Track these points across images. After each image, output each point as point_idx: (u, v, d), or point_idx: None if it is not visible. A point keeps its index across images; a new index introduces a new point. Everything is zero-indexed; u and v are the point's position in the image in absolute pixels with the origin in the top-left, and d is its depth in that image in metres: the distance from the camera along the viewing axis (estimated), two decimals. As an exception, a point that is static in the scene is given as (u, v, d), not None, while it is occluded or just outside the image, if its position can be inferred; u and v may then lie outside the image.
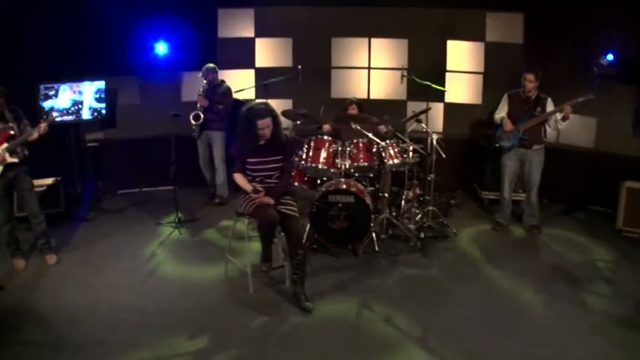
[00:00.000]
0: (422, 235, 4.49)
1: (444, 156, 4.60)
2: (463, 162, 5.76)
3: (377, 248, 4.27)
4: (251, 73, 6.15)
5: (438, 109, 5.95)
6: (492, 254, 4.34)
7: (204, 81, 5.25)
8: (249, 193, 3.41)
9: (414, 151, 4.45)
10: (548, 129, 4.66)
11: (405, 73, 4.82)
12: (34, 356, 3.04)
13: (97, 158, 5.80)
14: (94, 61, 5.45)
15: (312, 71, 5.69)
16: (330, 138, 4.46)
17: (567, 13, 5.40)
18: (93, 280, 3.92)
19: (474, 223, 5.00)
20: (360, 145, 4.38)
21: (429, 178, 4.70)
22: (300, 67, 4.92)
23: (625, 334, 3.17)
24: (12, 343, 3.15)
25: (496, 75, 5.78)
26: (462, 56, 5.95)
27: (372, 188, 4.63)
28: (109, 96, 5.57)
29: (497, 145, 4.77)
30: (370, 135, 4.33)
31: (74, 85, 5.30)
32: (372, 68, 6.12)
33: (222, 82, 5.39)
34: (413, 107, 6.01)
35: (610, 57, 5.18)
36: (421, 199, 4.88)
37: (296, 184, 4.42)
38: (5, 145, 3.92)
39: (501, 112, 4.70)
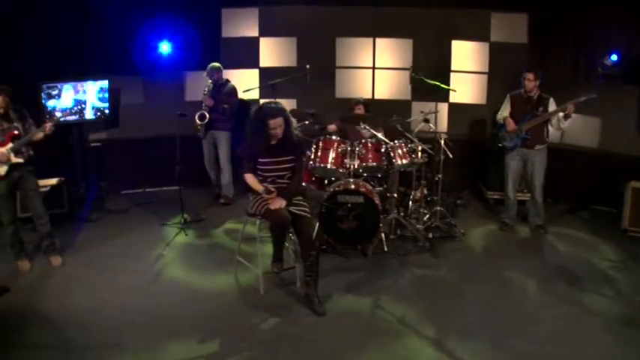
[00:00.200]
0: (430, 235, 4.48)
1: (450, 156, 4.60)
2: (468, 162, 5.75)
3: (386, 249, 4.25)
4: (255, 72, 6.12)
5: (442, 109, 5.94)
6: (500, 254, 4.35)
7: (210, 81, 5.20)
8: (261, 194, 3.37)
9: (423, 151, 4.43)
10: (550, 129, 4.66)
11: (413, 73, 4.78)
12: (41, 359, 2.99)
13: (100, 158, 5.73)
14: (97, 61, 5.41)
15: (317, 71, 5.64)
16: (338, 138, 4.44)
17: (571, 13, 5.41)
18: (99, 281, 3.86)
19: (481, 223, 5.00)
20: (369, 145, 4.36)
21: (437, 179, 4.69)
22: (308, 66, 4.88)
23: (634, 334, 3.17)
24: (19, 346, 3.10)
25: (501, 75, 5.78)
26: (466, 56, 5.95)
27: (380, 188, 4.61)
28: (112, 95, 5.52)
29: (499, 145, 4.77)
30: (379, 135, 4.31)
31: (77, 84, 5.25)
32: (376, 68, 6.11)
33: (227, 81, 5.36)
34: (418, 107, 6.03)
35: (614, 57, 5.19)
36: (428, 199, 4.86)
37: (303, 184, 4.39)
38: (10, 145, 3.87)
39: (504, 113, 4.71)
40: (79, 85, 5.26)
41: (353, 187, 4.15)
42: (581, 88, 4.80)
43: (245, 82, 5.77)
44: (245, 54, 6.03)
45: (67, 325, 3.29)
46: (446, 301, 3.56)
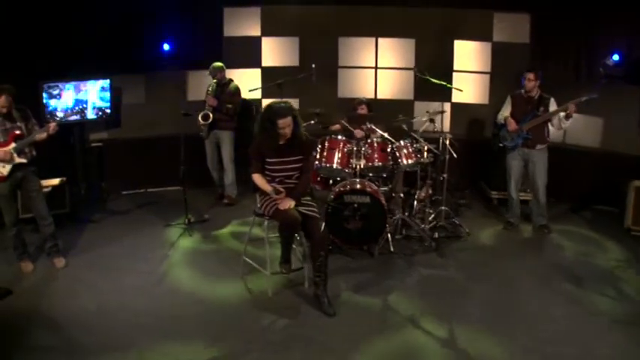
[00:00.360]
0: (436, 235, 4.48)
1: (455, 156, 4.60)
2: (469, 162, 5.75)
3: (392, 249, 4.24)
4: (257, 72, 6.09)
5: (444, 109, 5.93)
6: (506, 254, 4.35)
7: (214, 80, 5.16)
8: (270, 194, 3.35)
9: (429, 151, 4.43)
10: (551, 128, 4.68)
11: (418, 72, 4.77)
12: (48, 361, 2.95)
13: (101, 158, 5.68)
14: (98, 60, 5.34)
15: (319, 71, 5.61)
16: (344, 138, 4.43)
17: (574, 13, 5.43)
18: (104, 283, 3.82)
19: (485, 223, 5.01)
20: (375, 144, 4.35)
21: (441, 178, 4.69)
22: (314, 65, 4.86)
23: (642, 331, 3.19)
24: (24, 348, 3.06)
25: (503, 75, 5.80)
26: (468, 56, 5.96)
27: (385, 188, 4.60)
28: (113, 95, 5.46)
29: (500, 144, 4.77)
30: (386, 135, 4.30)
31: (78, 84, 5.19)
32: (379, 68, 6.10)
33: (230, 80, 5.32)
34: (420, 107, 6.05)
35: (616, 57, 5.22)
36: (433, 198, 4.86)
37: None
38: (13, 144, 3.81)
39: (504, 113, 4.72)
40: (81, 85, 5.21)
41: (359, 187, 4.14)
42: (583, 89, 4.82)
43: (247, 82, 5.75)
44: (247, 53, 6.00)
45: (73, 327, 3.25)
46: (454, 301, 3.56)
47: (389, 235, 4.27)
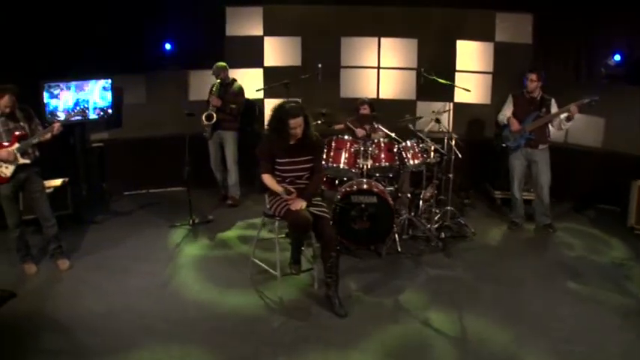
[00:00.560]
0: (442, 235, 4.48)
1: (460, 156, 4.60)
2: (472, 161, 5.77)
3: (399, 249, 4.24)
4: (259, 72, 6.06)
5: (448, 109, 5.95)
6: (512, 253, 4.37)
7: (217, 80, 5.12)
8: (280, 195, 3.32)
9: (435, 151, 4.43)
10: (551, 129, 4.70)
11: (425, 73, 4.77)
12: (57, 364, 2.91)
13: (103, 159, 5.61)
14: (99, 59, 5.28)
15: (322, 71, 5.62)
16: (351, 138, 4.42)
17: (575, 13, 5.46)
18: (109, 285, 3.77)
19: (489, 223, 5.02)
20: (382, 144, 4.35)
21: (445, 178, 4.69)
22: (320, 65, 4.84)
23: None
24: (31, 351, 3.01)
25: (505, 75, 5.82)
26: (471, 56, 5.97)
27: (391, 188, 4.59)
28: (115, 95, 5.40)
29: (503, 145, 4.76)
30: (393, 135, 4.30)
31: (79, 83, 5.13)
32: (381, 68, 6.10)
33: (234, 80, 5.29)
34: (422, 107, 6.05)
35: (617, 58, 5.27)
36: (439, 198, 4.86)
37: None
38: (17, 145, 3.76)
39: (506, 113, 4.71)
40: (82, 85, 5.14)
41: (366, 187, 4.13)
42: (584, 89, 4.86)
43: (249, 82, 5.71)
44: (249, 53, 5.97)
45: (79, 329, 3.20)
46: (464, 301, 3.55)
47: (396, 236, 4.26)
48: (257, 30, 5.99)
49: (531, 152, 4.62)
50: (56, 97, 5.01)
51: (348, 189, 4.16)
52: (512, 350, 3.02)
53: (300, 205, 3.25)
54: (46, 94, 4.93)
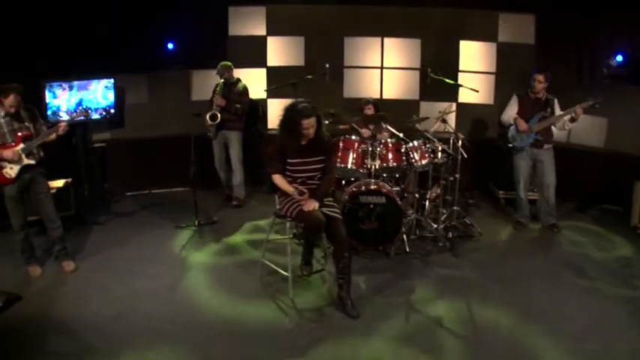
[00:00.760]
0: (449, 235, 4.49)
1: (465, 156, 4.61)
2: (476, 161, 5.78)
3: (407, 249, 4.24)
4: (262, 71, 6.03)
5: (453, 109, 5.95)
6: (519, 253, 4.38)
7: (221, 80, 5.08)
8: (292, 196, 3.30)
9: (443, 151, 4.43)
10: (554, 129, 4.72)
11: (432, 73, 4.78)
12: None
13: (105, 159, 5.55)
14: (101, 59, 5.22)
15: (325, 71, 5.60)
16: (358, 138, 4.41)
17: (578, 14, 5.49)
18: (116, 287, 3.72)
19: (495, 223, 5.03)
20: (390, 145, 4.34)
21: (451, 179, 4.70)
22: (327, 65, 4.82)
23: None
24: (39, 354, 2.97)
25: (508, 75, 5.84)
26: (473, 56, 5.98)
27: (398, 188, 4.59)
28: (117, 95, 5.35)
29: (509, 145, 4.75)
30: (401, 135, 4.29)
31: (81, 83, 5.07)
32: (384, 68, 6.10)
33: (238, 80, 5.25)
34: (426, 107, 6.07)
35: (619, 58, 5.31)
36: (446, 198, 4.87)
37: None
38: (22, 145, 3.70)
39: (511, 113, 4.70)
40: (84, 84, 5.08)
41: (375, 187, 4.12)
42: (586, 90, 4.89)
43: (252, 82, 5.68)
44: (252, 53, 5.93)
45: (88, 332, 3.16)
46: (474, 301, 3.55)
47: (404, 236, 4.26)
48: (260, 30, 5.96)
49: (537, 152, 4.64)
50: (58, 97, 4.94)
51: (355, 189, 4.15)
52: (524, 347, 3.02)
53: (313, 205, 3.23)
54: (49, 94, 4.86)
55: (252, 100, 5.49)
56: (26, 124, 3.76)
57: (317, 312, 3.37)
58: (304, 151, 3.33)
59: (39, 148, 3.81)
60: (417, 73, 6.05)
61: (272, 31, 5.97)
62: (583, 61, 5.68)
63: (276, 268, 3.65)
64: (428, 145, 4.45)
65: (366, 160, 4.30)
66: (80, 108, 4.99)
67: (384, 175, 4.43)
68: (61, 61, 5.01)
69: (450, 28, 5.90)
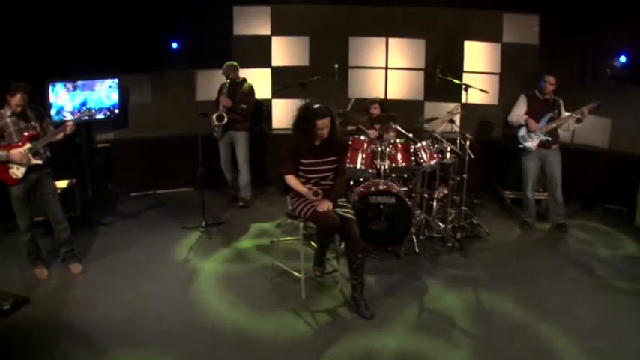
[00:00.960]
0: (458, 235, 4.49)
1: (472, 157, 4.61)
2: (480, 162, 5.79)
3: (417, 249, 4.23)
4: (267, 72, 6.00)
5: (460, 110, 5.94)
6: (528, 253, 4.40)
7: (227, 80, 5.04)
8: (306, 196, 3.28)
9: (452, 151, 4.43)
10: (559, 129, 4.74)
11: (440, 74, 4.77)
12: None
13: (108, 159, 5.50)
14: (105, 59, 5.18)
15: (329, 71, 5.57)
16: (366, 138, 4.40)
17: (581, 15, 5.52)
18: (126, 289, 3.67)
19: (501, 223, 5.05)
20: (399, 145, 4.34)
21: (458, 179, 4.70)
22: (336, 65, 4.80)
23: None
24: (50, 358, 2.92)
25: (512, 76, 5.87)
26: (478, 57, 6.00)
27: (405, 189, 4.59)
28: (121, 94, 5.30)
29: (520, 146, 4.74)
30: (410, 135, 4.29)
31: (85, 83, 5.01)
32: (389, 68, 6.09)
33: (244, 80, 5.22)
34: (430, 107, 6.08)
35: (623, 59, 5.35)
36: (454, 198, 4.87)
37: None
38: (28, 145, 3.65)
39: (519, 112, 4.69)
40: (89, 84, 5.03)
41: (384, 187, 4.11)
42: (589, 90, 4.91)
43: (257, 82, 5.64)
44: (257, 53, 5.91)
45: (100, 335, 3.10)
46: (485, 301, 3.56)
47: (413, 236, 4.26)
48: (265, 30, 5.94)
49: (545, 153, 4.65)
50: (62, 96, 4.89)
51: (364, 190, 4.14)
52: (537, 346, 3.02)
53: (327, 206, 3.21)
54: (53, 94, 4.81)
55: (257, 100, 5.47)
56: (33, 123, 3.71)
57: (331, 313, 3.36)
58: (318, 152, 3.31)
59: (46, 148, 3.76)
60: (422, 73, 6.06)
61: (277, 30, 5.95)
62: (586, 62, 5.72)
63: (288, 269, 3.63)
64: (436, 146, 4.45)
65: (375, 161, 4.29)
66: (84, 108, 4.93)
67: (393, 175, 4.42)
68: (65, 61, 4.98)
69: (455, 29, 5.92)
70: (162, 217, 5.05)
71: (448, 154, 4.44)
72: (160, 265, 4.03)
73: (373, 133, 4.81)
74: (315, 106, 3.19)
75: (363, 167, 4.29)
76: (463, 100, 5.91)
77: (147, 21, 5.34)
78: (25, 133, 3.66)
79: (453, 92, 5.66)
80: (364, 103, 5.31)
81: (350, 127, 4.95)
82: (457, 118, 5.89)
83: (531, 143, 4.63)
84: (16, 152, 3.59)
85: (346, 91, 6.08)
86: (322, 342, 3.06)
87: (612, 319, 3.33)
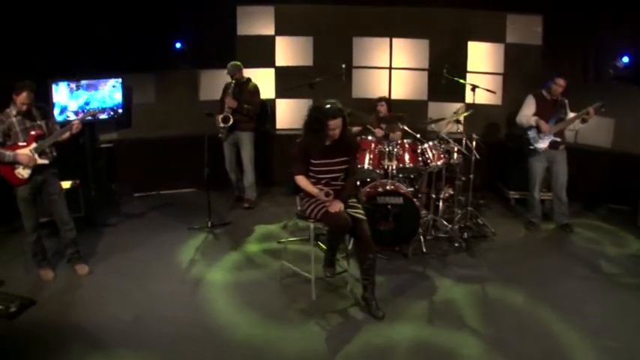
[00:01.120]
0: (465, 235, 4.49)
1: (478, 157, 4.61)
2: (484, 162, 5.79)
3: (424, 249, 4.23)
4: (271, 71, 5.98)
5: (467, 110, 5.94)
6: (534, 252, 4.41)
7: (233, 81, 5.01)
8: (317, 197, 3.26)
9: (459, 152, 4.44)
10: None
11: (447, 74, 4.78)
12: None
13: (112, 160, 5.45)
14: (108, 58, 5.14)
15: (334, 71, 5.56)
16: (374, 138, 4.39)
17: (583, 15, 5.54)
18: (133, 290, 3.64)
19: (506, 223, 5.05)
20: (406, 145, 4.34)
21: (464, 179, 4.70)
22: (344, 65, 4.79)
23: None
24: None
25: (515, 76, 5.88)
26: (481, 57, 6.01)
27: (412, 189, 4.58)
28: (125, 94, 5.26)
29: (531, 147, 4.69)
30: (418, 135, 4.29)
31: (90, 82, 4.97)
32: (393, 68, 6.09)
33: (249, 79, 5.19)
34: (433, 107, 6.08)
35: (625, 59, 5.38)
36: (457, 198, 4.87)
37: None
38: (34, 145, 3.61)
39: (528, 113, 4.68)
40: (94, 84, 4.99)
41: (392, 188, 4.10)
42: (592, 91, 4.93)
43: (260, 82, 5.62)
44: (261, 53, 5.89)
45: (111, 338, 3.07)
46: (495, 301, 3.56)
47: (421, 236, 4.25)
48: (268, 29, 5.92)
49: (553, 153, 4.66)
50: (65, 96, 4.85)
51: (371, 189, 4.13)
52: (548, 345, 3.03)
53: (339, 207, 3.19)
54: (56, 93, 4.76)
55: (261, 100, 5.44)
56: (38, 122, 3.67)
57: (342, 314, 3.34)
58: (328, 152, 3.29)
59: (52, 147, 3.72)
60: (426, 73, 6.06)
61: (280, 30, 5.93)
62: (589, 62, 5.74)
63: (298, 270, 3.61)
64: (443, 146, 4.45)
65: (382, 161, 4.29)
66: (89, 108, 4.88)
67: (400, 175, 4.41)
68: (68, 61, 4.93)
69: (458, 29, 5.92)
70: (167, 218, 5.01)
71: (455, 155, 4.43)
72: (167, 266, 4.01)
73: (379, 132, 4.81)
74: (327, 106, 3.17)
75: (371, 167, 4.29)
76: (470, 101, 5.99)
77: (150, 21, 5.30)
78: (32, 133, 3.62)
79: (456, 92, 5.68)
80: (369, 103, 5.31)
81: (355, 128, 4.94)
82: (462, 119, 5.92)
83: (542, 144, 4.62)
84: (22, 154, 3.55)
85: (350, 92, 6.07)
86: (335, 342, 3.04)
87: (621, 317, 3.34)
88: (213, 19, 5.65)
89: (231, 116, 4.94)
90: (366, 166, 4.28)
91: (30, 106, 3.60)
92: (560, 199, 4.79)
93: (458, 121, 4.71)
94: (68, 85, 4.86)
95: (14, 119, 3.57)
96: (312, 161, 3.31)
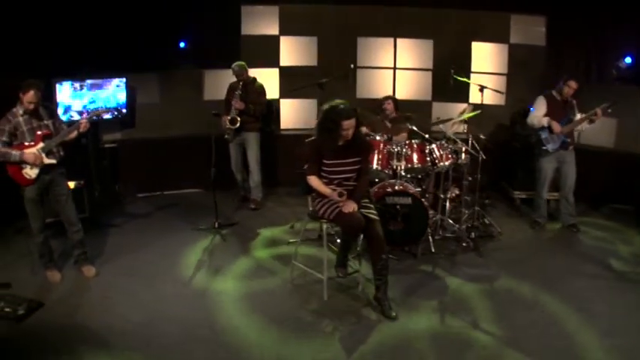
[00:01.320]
0: (472, 235, 4.50)
1: (484, 157, 4.62)
2: (489, 162, 5.80)
3: (433, 249, 4.23)
4: (275, 71, 5.96)
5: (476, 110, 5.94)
6: (542, 252, 4.42)
7: (240, 82, 4.97)
8: (331, 197, 3.24)
9: (467, 152, 4.44)
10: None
11: (455, 74, 4.78)
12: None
13: (116, 160, 5.40)
14: (112, 58, 5.09)
15: (338, 70, 5.56)
16: (381, 138, 4.38)
17: (587, 16, 5.57)
18: (142, 291, 3.61)
19: (512, 222, 5.06)
20: (414, 145, 4.33)
21: (470, 179, 4.70)
22: (352, 65, 4.78)
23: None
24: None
25: (519, 76, 5.90)
26: (485, 58, 6.03)
27: (419, 189, 4.58)
28: (129, 94, 5.21)
29: (543, 148, 4.67)
30: (427, 136, 4.29)
31: (95, 82, 4.92)
32: (397, 68, 6.09)
33: (254, 79, 5.16)
34: (437, 108, 6.09)
35: (628, 60, 5.41)
36: (464, 198, 4.88)
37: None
38: (41, 144, 3.56)
39: (540, 114, 4.65)
40: (99, 84, 4.94)
41: (401, 188, 4.10)
42: (594, 91, 4.95)
43: (265, 82, 5.59)
44: (265, 52, 5.87)
45: (120, 341, 3.03)
46: (507, 300, 3.57)
47: (430, 236, 4.25)
48: (273, 29, 5.90)
49: (563, 154, 4.68)
50: (69, 96, 4.80)
51: (379, 190, 4.12)
52: (562, 347, 3.03)
53: (352, 207, 3.18)
54: (60, 93, 4.72)
55: (267, 100, 5.42)
56: (45, 121, 3.63)
57: (355, 314, 3.33)
58: (341, 152, 3.28)
59: (59, 146, 3.67)
60: (430, 73, 6.07)
61: (285, 30, 5.91)
62: (592, 63, 5.77)
63: (310, 270, 3.59)
64: (450, 147, 4.45)
65: (391, 161, 4.28)
66: (95, 107, 4.84)
67: (408, 175, 4.41)
68: (71, 61, 4.88)
69: (463, 30, 5.94)
70: (173, 219, 4.98)
71: (463, 155, 4.44)
72: (175, 267, 3.97)
73: (383, 135, 4.78)
74: (341, 106, 3.16)
75: (379, 167, 4.28)
76: (474, 101, 6.00)
77: (154, 20, 5.26)
78: (38, 132, 3.57)
79: (460, 93, 5.69)
80: (374, 104, 5.31)
81: (362, 129, 4.92)
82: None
83: (554, 145, 4.63)
84: (29, 152, 3.51)
85: (354, 92, 6.06)
86: (349, 343, 3.03)
87: (630, 316, 3.35)
88: (217, 18, 5.62)
89: (238, 118, 4.91)
90: (374, 166, 4.27)
91: (37, 105, 3.55)
92: (567, 200, 4.81)
93: (465, 122, 4.70)
94: (72, 84, 4.81)
95: (21, 119, 3.52)
96: (325, 161, 3.30)
